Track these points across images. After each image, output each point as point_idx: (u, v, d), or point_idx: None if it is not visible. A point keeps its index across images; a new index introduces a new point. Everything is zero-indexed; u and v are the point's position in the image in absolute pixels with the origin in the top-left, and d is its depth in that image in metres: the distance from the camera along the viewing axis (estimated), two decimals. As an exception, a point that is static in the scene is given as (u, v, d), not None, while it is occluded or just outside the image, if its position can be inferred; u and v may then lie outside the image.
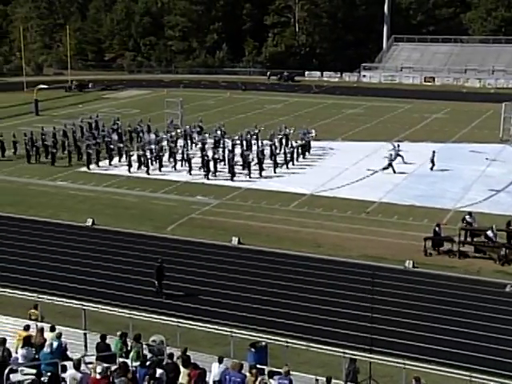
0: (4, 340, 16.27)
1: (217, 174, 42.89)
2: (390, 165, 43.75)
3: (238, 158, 44.23)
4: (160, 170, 44.29)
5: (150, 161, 44.49)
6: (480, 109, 67.92)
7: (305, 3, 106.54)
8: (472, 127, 59.18)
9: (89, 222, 34.63)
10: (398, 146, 46.92)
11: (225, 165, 43.74)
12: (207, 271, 28.52)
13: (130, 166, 44.30)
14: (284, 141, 48.71)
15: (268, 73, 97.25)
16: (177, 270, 28.46)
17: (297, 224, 34.42)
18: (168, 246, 31.59)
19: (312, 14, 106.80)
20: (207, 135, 50.04)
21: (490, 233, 30.09)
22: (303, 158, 47.66)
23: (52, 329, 17.69)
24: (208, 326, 20.58)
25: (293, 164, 45.66)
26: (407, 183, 41.75)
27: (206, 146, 46.67)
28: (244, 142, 47.61)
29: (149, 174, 43.58)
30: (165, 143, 47.92)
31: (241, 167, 43.65)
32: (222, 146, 47.36)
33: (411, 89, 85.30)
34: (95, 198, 39.48)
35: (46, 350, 16.48)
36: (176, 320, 20.42)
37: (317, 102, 74.77)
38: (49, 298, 22.26)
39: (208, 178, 42.34)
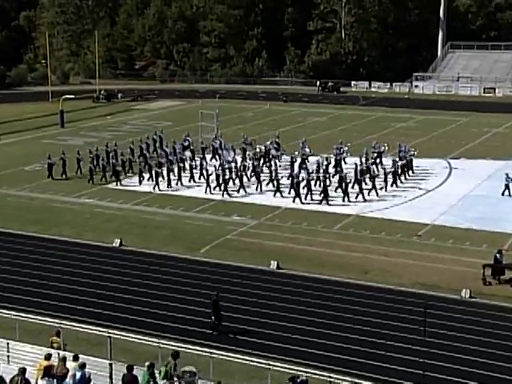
0: (23, 370, 16.43)
1: (308, 197, 41.31)
2: (507, 187, 42.15)
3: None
4: (245, 191, 43.11)
5: (230, 181, 43.58)
6: (546, 123, 67.21)
7: (352, 7, 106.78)
8: (537, 143, 58.41)
9: (116, 243, 34.95)
10: None
11: (319, 187, 42.06)
12: (242, 297, 28.48)
13: (208, 186, 43.20)
14: (378, 160, 47.24)
15: (318, 83, 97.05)
16: (210, 295, 28.47)
17: (341, 248, 34.23)
18: (201, 269, 31.65)
19: (360, 18, 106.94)
20: (296, 153, 48.30)
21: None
22: (405, 178, 45.87)
23: (75, 358, 17.83)
24: (244, 357, 20.56)
25: (396, 186, 44.04)
26: (464, 204, 41.28)
27: (295, 165, 45.56)
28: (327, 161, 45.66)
29: (230, 195, 42.68)
30: (241, 161, 46.64)
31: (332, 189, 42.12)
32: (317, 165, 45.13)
33: (469, 101, 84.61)
34: (123, 216, 39.84)
35: (69, 381, 16.62)
36: (209, 350, 20.44)
37: (364, 114, 74.59)
38: (72, 324, 22.48)
39: (302, 202, 40.94)
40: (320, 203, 40.67)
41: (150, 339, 21.68)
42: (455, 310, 27.31)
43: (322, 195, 40.99)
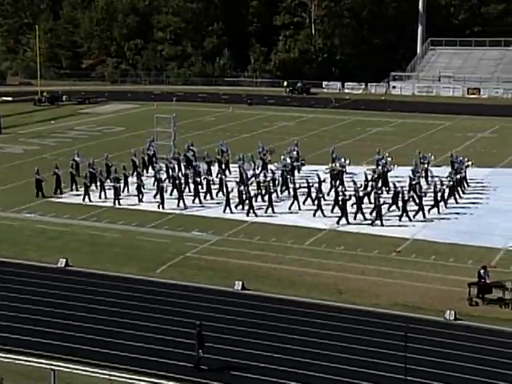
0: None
1: (360, 216, 40.21)
2: None
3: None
4: (273, 211, 41.82)
5: (254, 198, 42.17)
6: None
7: (323, 0, 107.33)
8: (526, 149, 59.22)
9: (61, 263, 34.63)
10: None
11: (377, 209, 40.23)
12: (204, 322, 28.35)
13: (227, 204, 41.77)
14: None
15: (285, 83, 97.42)
16: (166, 320, 28.36)
17: (314, 266, 34.31)
18: (157, 291, 31.50)
19: (331, 12, 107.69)
20: (337, 164, 47.17)
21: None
22: (460, 195, 44.64)
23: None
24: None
25: (456, 202, 43.33)
26: (447, 217, 41.61)
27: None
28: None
29: (248, 215, 41.14)
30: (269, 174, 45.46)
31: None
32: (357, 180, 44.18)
33: (451, 102, 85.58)
34: (70, 233, 39.51)
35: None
36: (166, 382, 20.32)
37: (337, 118, 75.08)
38: (9, 356, 22.19)
39: (348, 223, 39.66)
40: (372, 224, 39.67)
41: (99, 371, 21.51)
42: (439, 334, 27.46)
43: (375, 215, 39.85)
